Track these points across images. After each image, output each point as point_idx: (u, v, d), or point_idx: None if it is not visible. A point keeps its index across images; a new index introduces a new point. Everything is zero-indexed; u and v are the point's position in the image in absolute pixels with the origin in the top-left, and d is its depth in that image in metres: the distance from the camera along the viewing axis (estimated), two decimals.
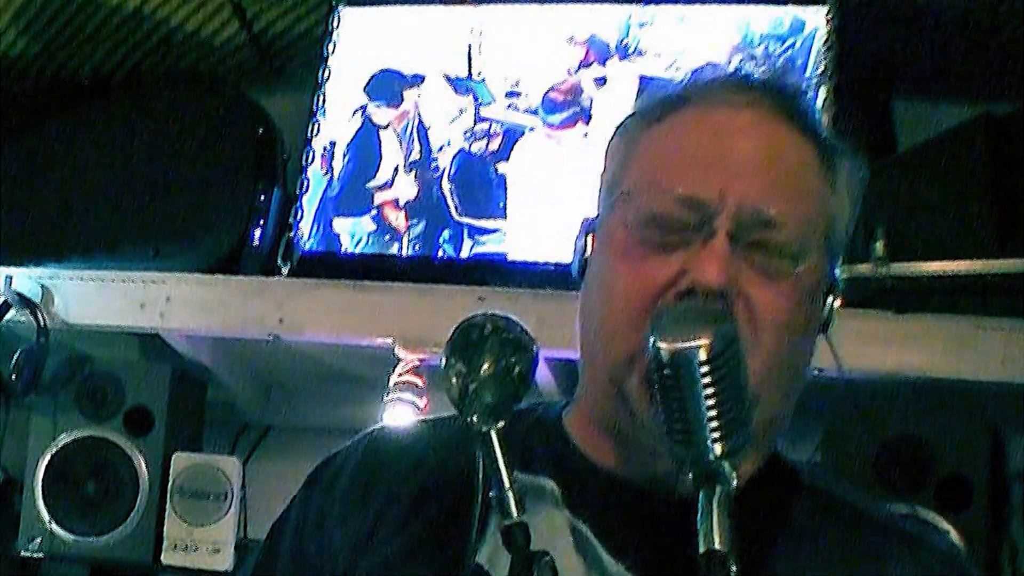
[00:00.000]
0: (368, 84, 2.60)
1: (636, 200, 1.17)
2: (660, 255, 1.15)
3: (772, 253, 1.15)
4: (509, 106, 2.50)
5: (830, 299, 1.22)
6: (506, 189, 2.47)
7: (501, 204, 2.46)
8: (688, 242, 1.14)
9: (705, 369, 1.01)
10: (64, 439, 2.58)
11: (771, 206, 1.15)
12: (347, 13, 2.62)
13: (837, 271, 1.25)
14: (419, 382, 2.32)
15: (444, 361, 1.10)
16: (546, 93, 2.48)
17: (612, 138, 1.27)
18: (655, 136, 1.21)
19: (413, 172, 2.53)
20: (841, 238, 1.23)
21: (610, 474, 1.20)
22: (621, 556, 1.16)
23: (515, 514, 1.06)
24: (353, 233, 2.52)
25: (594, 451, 1.22)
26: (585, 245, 1.23)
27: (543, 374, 2.29)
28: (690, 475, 1.04)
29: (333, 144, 2.58)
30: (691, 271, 1.12)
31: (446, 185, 2.50)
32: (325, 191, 2.55)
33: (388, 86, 2.58)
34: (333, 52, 2.62)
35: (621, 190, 1.20)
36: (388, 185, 2.53)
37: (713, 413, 1.02)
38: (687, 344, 1.02)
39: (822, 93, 2.26)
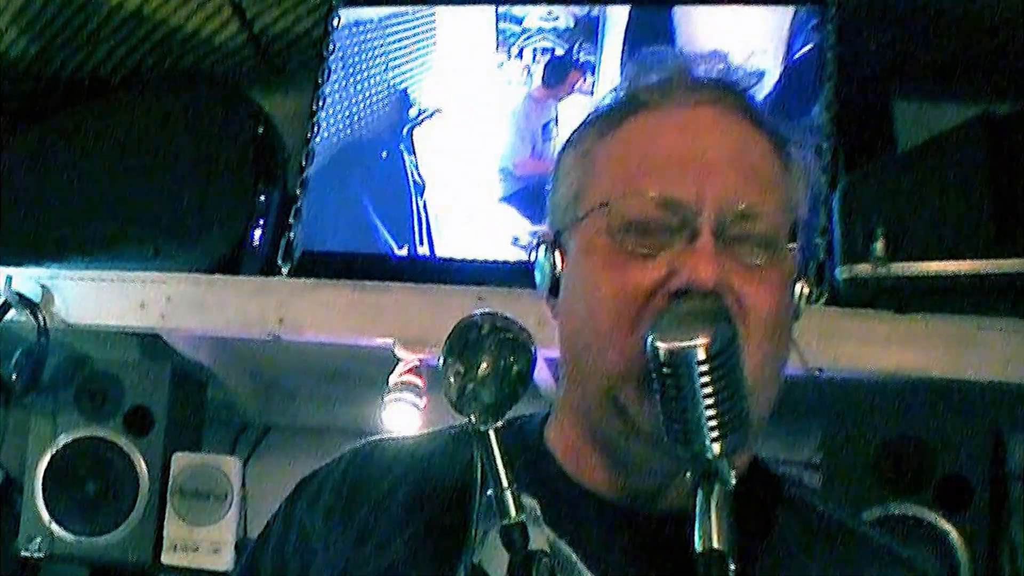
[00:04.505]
0: None
1: (608, 208, 1.16)
2: (643, 260, 1.13)
3: (752, 245, 1.14)
4: None
5: (799, 286, 1.21)
6: None
7: None
8: (669, 244, 1.13)
9: (704, 368, 1.01)
10: (64, 439, 2.58)
11: (746, 199, 1.14)
12: None
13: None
14: (419, 382, 2.32)
15: (442, 360, 1.09)
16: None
17: (564, 151, 1.25)
18: (615, 142, 1.20)
19: None
20: (802, 224, 1.22)
21: (591, 491, 1.20)
22: (601, 573, 1.15)
23: (513, 514, 1.05)
24: None
25: (576, 466, 1.21)
26: (554, 261, 1.21)
27: (543, 374, 2.29)
28: (688, 475, 1.04)
29: None
30: (681, 271, 1.11)
31: None
32: None
33: None
34: (333, 52, 2.62)
35: (596, 201, 1.18)
36: None
37: (711, 412, 1.02)
38: (686, 343, 1.02)
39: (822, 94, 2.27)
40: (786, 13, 2.42)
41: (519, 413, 1.20)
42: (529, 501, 1.17)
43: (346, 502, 1.26)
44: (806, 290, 1.21)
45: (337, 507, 1.26)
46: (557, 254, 1.21)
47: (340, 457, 1.33)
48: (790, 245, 1.18)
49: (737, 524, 1.02)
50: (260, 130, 2.68)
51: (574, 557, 1.16)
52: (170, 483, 2.55)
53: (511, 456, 1.14)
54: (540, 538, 1.16)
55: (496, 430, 1.07)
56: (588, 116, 1.25)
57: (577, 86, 2.52)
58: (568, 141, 1.25)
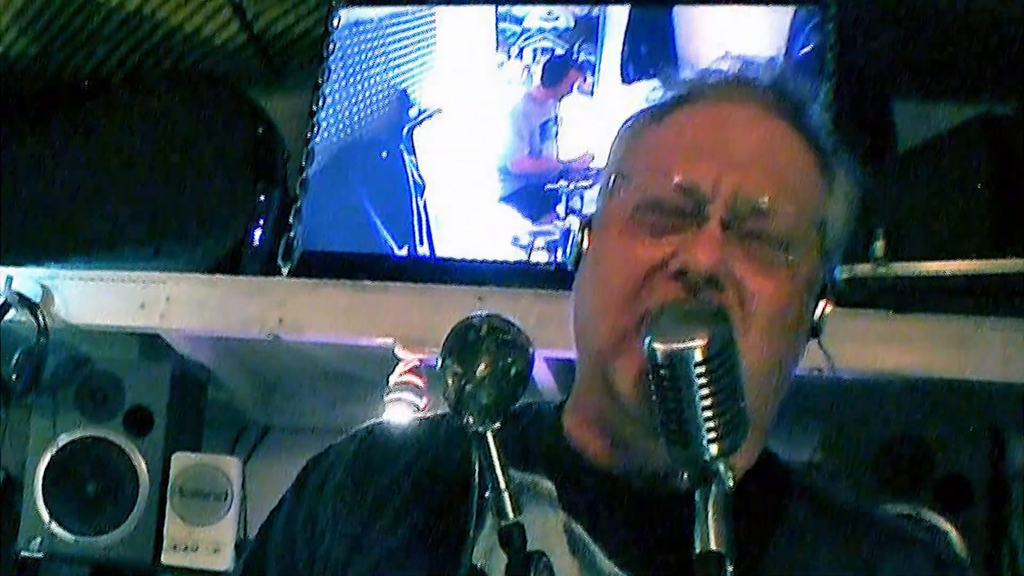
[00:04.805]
0: None
1: (633, 184, 1.19)
2: (653, 238, 1.16)
3: (765, 243, 1.15)
4: None
5: (822, 303, 1.22)
6: None
7: None
8: (682, 228, 1.15)
9: (701, 370, 1.01)
10: (64, 439, 2.58)
11: (765, 196, 1.15)
12: None
13: (836, 273, 1.25)
14: (419, 382, 2.32)
15: (440, 362, 1.10)
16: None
17: (617, 134, 1.28)
18: (657, 129, 1.23)
19: None
20: (836, 243, 1.23)
21: (604, 472, 1.20)
22: (616, 555, 1.16)
23: (511, 515, 1.06)
24: None
25: (587, 447, 1.22)
26: (582, 239, 1.24)
27: (542, 374, 2.29)
28: (686, 475, 1.04)
29: None
30: (682, 253, 1.13)
31: None
32: None
33: None
34: (333, 52, 2.62)
35: (619, 172, 1.21)
36: None
37: (709, 413, 1.02)
38: (683, 345, 1.02)
39: (822, 94, 2.27)
40: (786, 13, 2.42)
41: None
42: (546, 484, 1.19)
43: (354, 486, 1.27)
44: (828, 308, 1.22)
45: (345, 491, 1.27)
46: (586, 232, 1.24)
47: (348, 439, 1.34)
48: (813, 256, 1.18)
49: (745, 518, 1.03)
50: (260, 130, 2.68)
51: (588, 538, 1.17)
52: (170, 483, 2.54)
53: (528, 437, 1.14)
54: (554, 519, 1.17)
55: (494, 431, 1.07)
56: (644, 107, 1.28)
57: (576, 86, 2.52)
58: (625, 123, 1.28)
